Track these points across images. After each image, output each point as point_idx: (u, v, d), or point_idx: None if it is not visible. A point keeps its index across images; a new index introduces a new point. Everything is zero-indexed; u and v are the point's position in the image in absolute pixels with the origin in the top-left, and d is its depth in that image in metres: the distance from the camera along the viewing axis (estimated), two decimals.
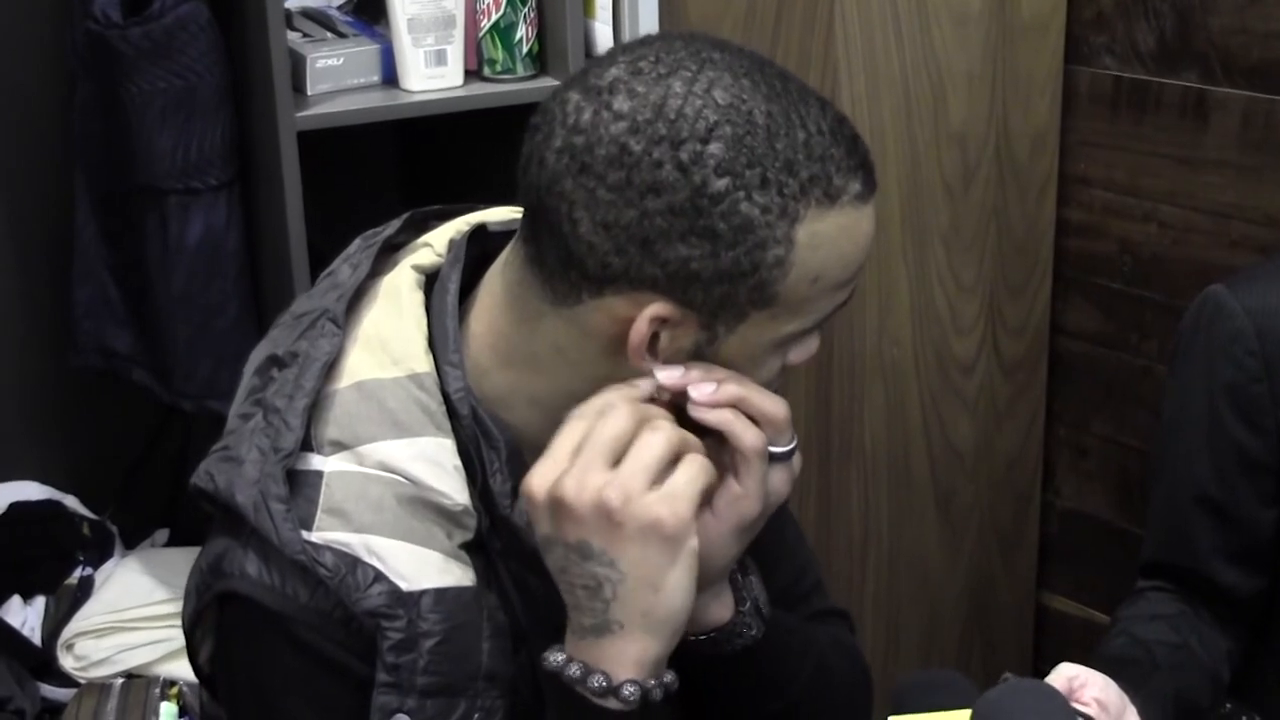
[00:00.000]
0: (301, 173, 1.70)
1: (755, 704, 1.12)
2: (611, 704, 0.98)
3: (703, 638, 1.07)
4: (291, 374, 1.05)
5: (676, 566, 0.96)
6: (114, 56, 1.72)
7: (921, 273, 2.12)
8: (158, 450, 2.10)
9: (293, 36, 1.80)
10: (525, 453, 1.03)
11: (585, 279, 0.97)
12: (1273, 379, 1.41)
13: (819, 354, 1.07)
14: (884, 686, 1.21)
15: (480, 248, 1.10)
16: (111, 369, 1.93)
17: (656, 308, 0.96)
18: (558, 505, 0.96)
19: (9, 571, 1.97)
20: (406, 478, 1.02)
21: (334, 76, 1.79)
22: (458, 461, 1.03)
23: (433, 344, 1.05)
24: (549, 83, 1.81)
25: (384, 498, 1.01)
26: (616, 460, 0.96)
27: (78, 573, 2.00)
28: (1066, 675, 1.11)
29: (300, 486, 1.02)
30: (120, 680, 1.86)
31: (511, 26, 1.81)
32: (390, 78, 1.82)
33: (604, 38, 1.83)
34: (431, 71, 1.79)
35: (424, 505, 1.02)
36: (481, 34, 1.82)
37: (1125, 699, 1.12)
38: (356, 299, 1.08)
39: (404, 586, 1.00)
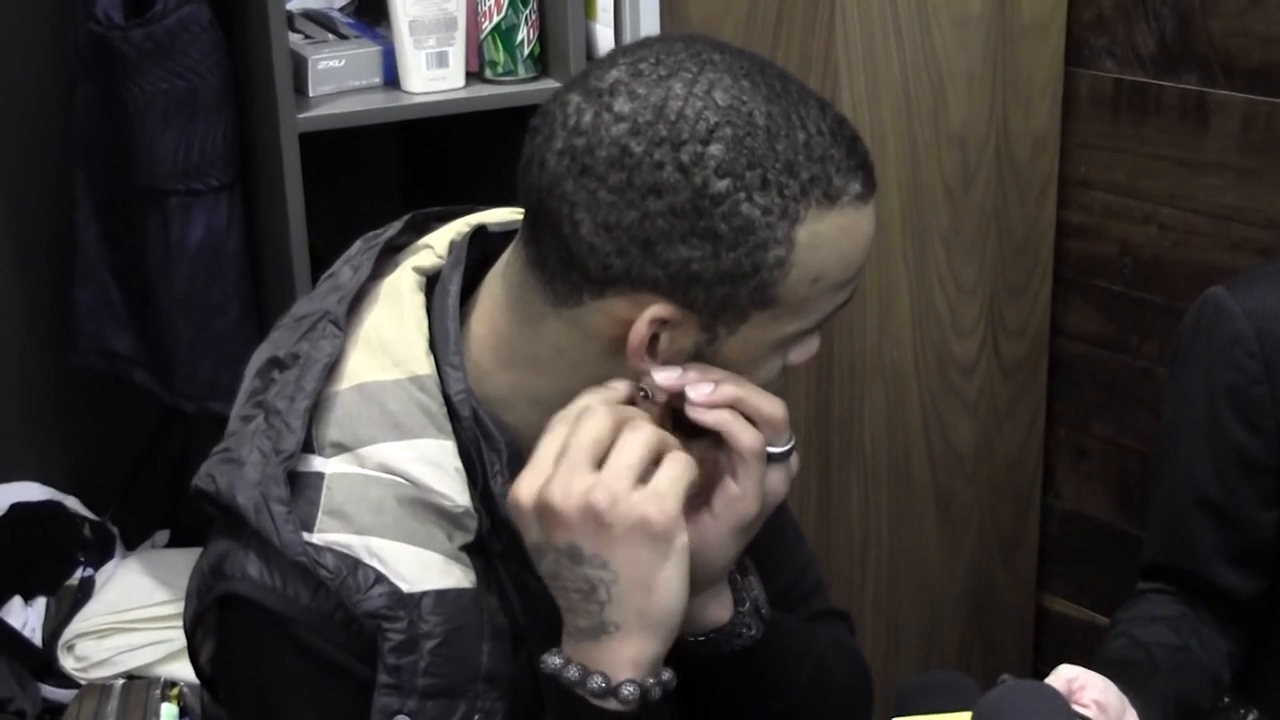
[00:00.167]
0: (303, 174, 1.70)
1: (755, 705, 1.12)
2: (611, 704, 0.98)
3: (702, 638, 1.07)
4: (292, 376, 1.05)
5: (668, 564, 0.96)
6: (116, 58, 1.73)
7: (922, 274, 2.12)
8: (158, 451, 2.11)
9: (294, 38, 1.80)
10: (526, 454, 1.03)
11: (586, 280, 0.98)
12: (1273, 381, 1.41)
13: (819, 355, 1.07)
14: (884, 688, 1.21)
15: (481, 249, 1.10)
16: (112, 370, 1.93)
17: (657, 309, 0.97)
18: (545, 511, 0.96)
19: (10, 572, 1.97)
20: (407, 479, 1.02)
21: (335, 78, 1.79)
22: (458, 463, 1.03)
23: (434, 346, 1.05)
24: (550, 85, 1.81)
25: (385, 499, 1.02)
26: (599, 463, 0.96)
27: (78, 574, 2.00)
28: (1066, 677, 1.11)
29: (301, 488, 1.02)
30: (121, 681, 1.87)
31: (513, 28, 1.81)
32: (392, 79, 1.82)
33: (605, 40, 1.83)
34: (433, 73, 1.79)
35: (425, 507, 1.02)
36: (483, 36, 1.82)
37: (1125, 701, 1.12)
38: (357, 301, 1.08)
39: (405, 588, 1.00)
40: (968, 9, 2.04)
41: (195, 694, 1.84)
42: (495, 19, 1.80)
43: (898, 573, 2.24)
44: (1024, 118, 2.14)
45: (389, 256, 1.12)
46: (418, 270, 1.09)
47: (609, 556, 0.96)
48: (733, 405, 1.00)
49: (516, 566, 1.06)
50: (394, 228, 1.13)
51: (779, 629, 1.12)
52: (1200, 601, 1.49)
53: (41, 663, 1.90)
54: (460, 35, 1.80)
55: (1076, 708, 1.07)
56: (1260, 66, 1.97)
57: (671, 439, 0.99)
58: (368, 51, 1.81)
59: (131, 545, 2.08)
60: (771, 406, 1.01)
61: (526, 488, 0.97)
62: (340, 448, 1.03)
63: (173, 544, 2.09)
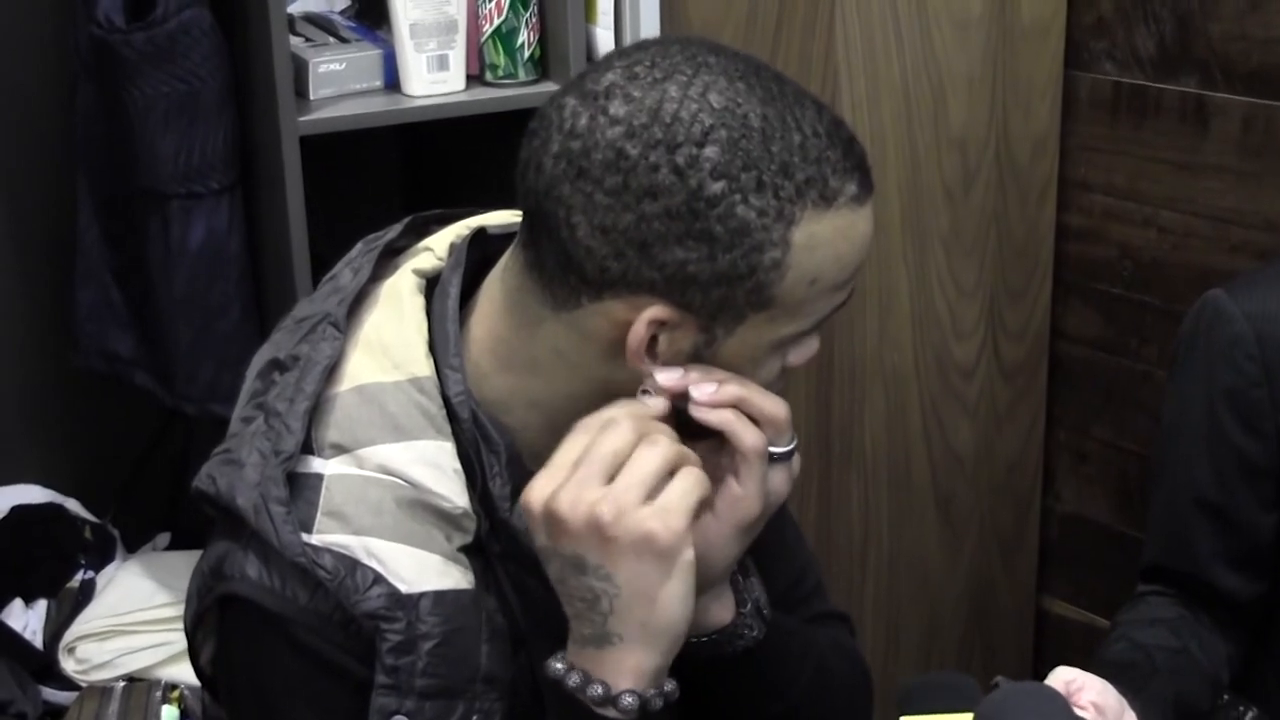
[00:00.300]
0: (304, 177, 1.70)
1: (756, 706, 1.12)
2: (610, 713, 0.98)
3: (703, 639, 1.07)
4: (293, 377, 1.05)
5: (672, 579, 0.96)
6: (117, 61, 1.73)
7: (922, 277, 2.12)
8: (159, 453, 2.11)
9: (295, 41, 1.80)
10: (525, 456, 1.04)
11: (584, 283, 0.98)
12: (1272, 384, 1.41)
13: (819, 358, 1.07)
14: (884, 690, 1.21)
15: (481, 251, 1.11)
16: (113, 372, 1.93)
17: (655, 310, 0.97)
18: (552, 519, 0.96)
19: (10, 575, 1.98)
20: (406, 481, 1.02)
21: (336, 81, 1.79)
22: (457, 465, 1.03)
23: (433, 348, 1.05)
24: (551, 88, 1.81)
25: (384, 500, 1.02)
26: (613, 476, 0.96)
27: (79, 576, 2.00)
28: (1064, 679, 1.11)
29: (300, 489, 1.02)
30: (122, 683, 1.87)
31: (513, 31, 1.81)
32: (392, 82, 1.82)
33: (605, 43, 1.83)
34: (433, 76, 1.79)
35: (423, 508, 1.02)
36: (483, 39, 1.82)
37: (1123, 702, 1.12)
38: (358, 303, 1.08)
39: (403, 589, 1.00)
40: (968, 12, 2.04)
41: (196, 696, 1.84)
42: (496, 22, 1.81)
43: (898, 575, 2.24)
44: (1024, 120, 2.14)
45: (389, 259, 1.12)
46: (418, 272, 1.09)
47: (613, 569, 0.96)
48: (735, 405, 1.00)
49: (515, 568, 1.06)
50: (394, 230, 1.14)
51: (779, 630, 1.12)
52: (1200, 604, 1.49)
53: (42, 665, 1.90)
54: (461, 38, 1.80)
55: (1075, 709, 1.07)
56: (1259, 69, 1.98)
57: (690, 454, 0.99)
58: (368, 55, 1.82)
59: (132, 547, 2.08)
60: (774, 406, 1.01)
61: (538, 492, 0.97)
62: (339, 449, 1.03)
63: (173, 546, 2.09)
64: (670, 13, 1.84)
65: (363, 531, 1.01)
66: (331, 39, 1.86)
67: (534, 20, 1.82)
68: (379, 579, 1.00)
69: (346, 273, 1.11)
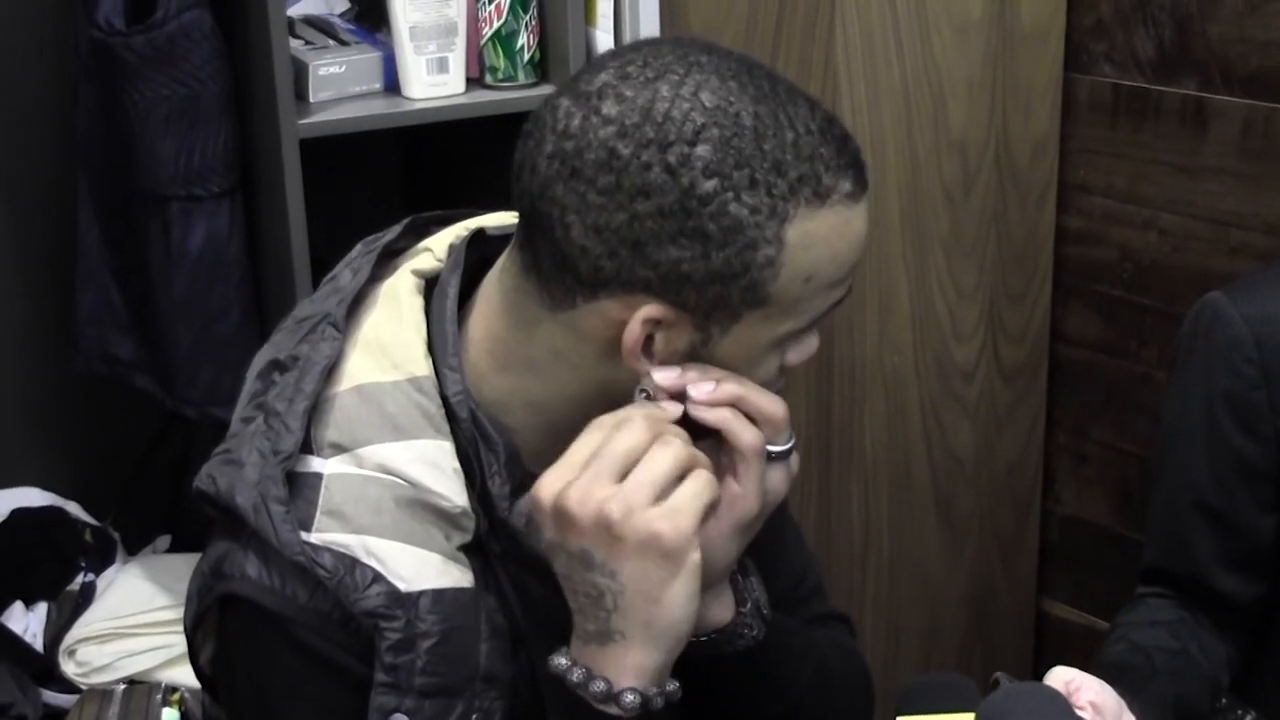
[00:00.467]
0: (304, 179, 1.71)
1: (756, 706, 1.12)
2: (612, 710, 0.98)
3: (704, 639, 1.07)
4: (292, 378, 1.05)
5: (678, 581, 0.96)
6: (117, 64, 1.73)
7: (922, 279, 2.13)
8: (159, 456, 2.11)
9: (295, 44, 1.80)
10: (524, 456, 1.04)
11: (579, 283, 0.98)
12: (1271, 386, 1.41)
13: (820, 359, 1.08)
14: (885, 692, 1.21)
15: (479, 252, 1.11)
16: (114, 375, 1.93)
17: (650, 309, 0.97)
18: (561, 514, 0.96)
19: (11, 577, 1.98)
20: (405, 480, 1.02)
21: (336, 84, 1.79)
22: (456, 464, 1.03)
23: (432, 348, 1.05)
24: (550, 90, 1.81)
25: (383, 500, 1.02)
26: (625, 475, 0.96)
27: (79, 579, 2.00)
28: (1062, 679, 1.11)
29: (300, 488, 1.02)
30: (122, 686, 1.87)
31: (513, 34, 1.81)
32: (392, 85, 1.82)
33: (605, 45, 1.83)
34: (433, 79, 1.79)
35: (423, 507, 1.02)
36: (483, 42, 1.82)
37: (1122, 703, 1.12)
38: (357, 304, 1.08)
39: (402, 587, 1.00)
40: (967, 15, 2.04)
41: (196, 699, 1.84)
42: (495, 25, 1.81)
43: (898, 577, 2.24)
44: (1023, 123, 2.15)
45: (389, 260, 1.12)
46: (417, 273, 1.09)
47: (618, 568, 0.96)
48: (733, 404, 1.00)
49: (515, 567, 1.06)
50: (394, 231, 1.14)
51: (779, 630, 1.12)
52: (1199, 606, 1.49)
53: (42, 668, 1.90)
54: (460, 41, 1.80)
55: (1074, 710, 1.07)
56: (1258, 72, 1.98)
57: (702, 458, 0.99)
58: (368, 57, 1.82)
59: (132, 550, 2.08)
60: (772, 405, 1.01)
61: (549, 487, 0.97)
62: (339, 448, 1.03)
63: (174, 549, 2.09)
64: (670, 16, 1.84)
65: (362, 530, 1.01)
66: (331, 42, 1.86)
67: (534, 23, 1.82)
68: (378, 577, 1.00)
69: (346, 273, 1.11)
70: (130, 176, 1.79)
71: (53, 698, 1.88)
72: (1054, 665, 1.14)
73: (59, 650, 1.90)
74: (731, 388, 1.00)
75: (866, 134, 2.00)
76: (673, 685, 1.00)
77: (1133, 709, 1.13)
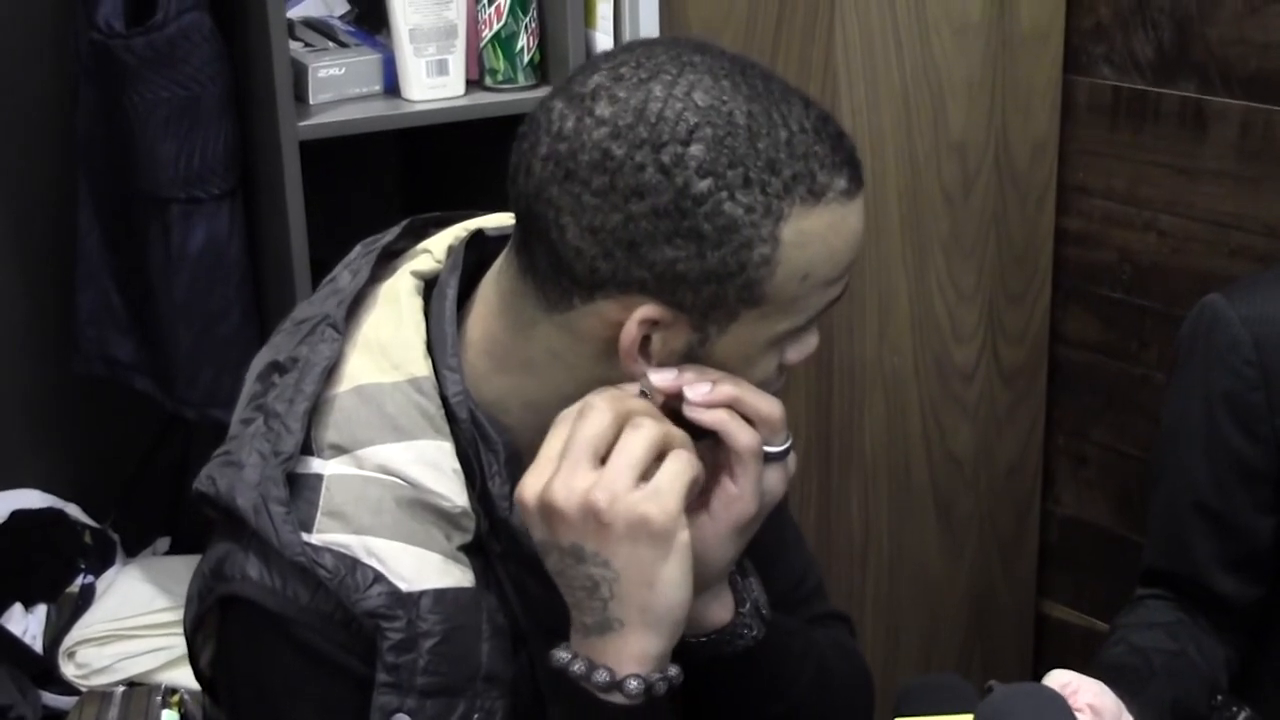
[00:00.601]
0: (303, 181, 1.71)
1: (756, 706, 1.12)
2: (616, 698, 0.99)
3: (703, 639, 1.07)
4: (292, 379, 1.06)
5: (669, 562, 0.97)
6: (117, 66, 1.73)
7: (921, 281, 2.13)
8: (159, 458, 2.11)
9: (295, 46, 1.80)
10: (523, 455, 1.04)
11: (575, 284, 0.98)
12: (1270, 388, 1.41)
13: (819, 361, 1.08)
14: (885, 693, 1.21)
15: (478, 253, 1.11)
16: (114, 377, 1.93)
17: (646, 310, 0.97)
18: (548, 510, 0.97)
19: (11, 579, 1.98)
20: (406, 480, 1.02)
21: (336, 86, 1.79)
22: (456, 464, 1.03)
23: (431, 348, 1.06)
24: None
25: (383, 500, 1.02)
26: (601, 459, 0.97)
27: (79, 581, 2.00)
28: (1060, 681, 1.11)
29: (300, 489, 1.03)
30: (121, 688, 1.87)
31: (513, 36, 1.81)
32: (392, 87, 1.82)
33: (605, 47, 1.83)
34: (433, 81, 1.80)
35: (423, 507, 1.02)
36: (483, 44, 1.83)
37: (1120, 705, 1.12)
38: (356, 305, 1.09)
39: (403, 587, 1.01)
40: (967, 17, 2.05)
41: (196, 700, 1.84)
42: (495, 27, 1.81)
43: (898, 578, 2.24)
44: (1023, 125, 2.15)
45: (387, 261, 1.12)
46: (416, 274, 1.09)
47: (610, 555, 0.96)
48: (730, 405, 1.00)
49: (515, 567, 1.06)
50: (392, 233, 1.14)
51: (779, 630, 1.12)
52: (1198, 607, 1.49)
53: (42, 670, 1.90)
54: (460, 43, 1.80)
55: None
56: (1258, 74, 1.98)
57: (678, 434, 0.99)
58: (368, 59, 1.82)
59: (132, 552, 2.08)
60: (768, 406, 1.01)
61: (530, 487, 0.97)
62: (339, 449, 1.04)
63: (173, 551, 2.09)
64: (670, 17, 1.84)
65: (363, 531, 1.01)
66: (331, 44, 1.86)
67: (533, 25, 1.82)
68: (379, 578, 1.00)
69: (345, 275, 1.11)
70: (130, 178, 1.79)
71: (52, 699, 1.88)
72: (1054, 666, 1.14)
73: (58, 652, 1.90)
74: (728, 389, 1.00)
75: (866, 135, 2.00)
76: (674, 670, 1.01)
77: (1131, 711, 1.13)
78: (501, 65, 1.82)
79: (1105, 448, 2.29)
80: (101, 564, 2.02)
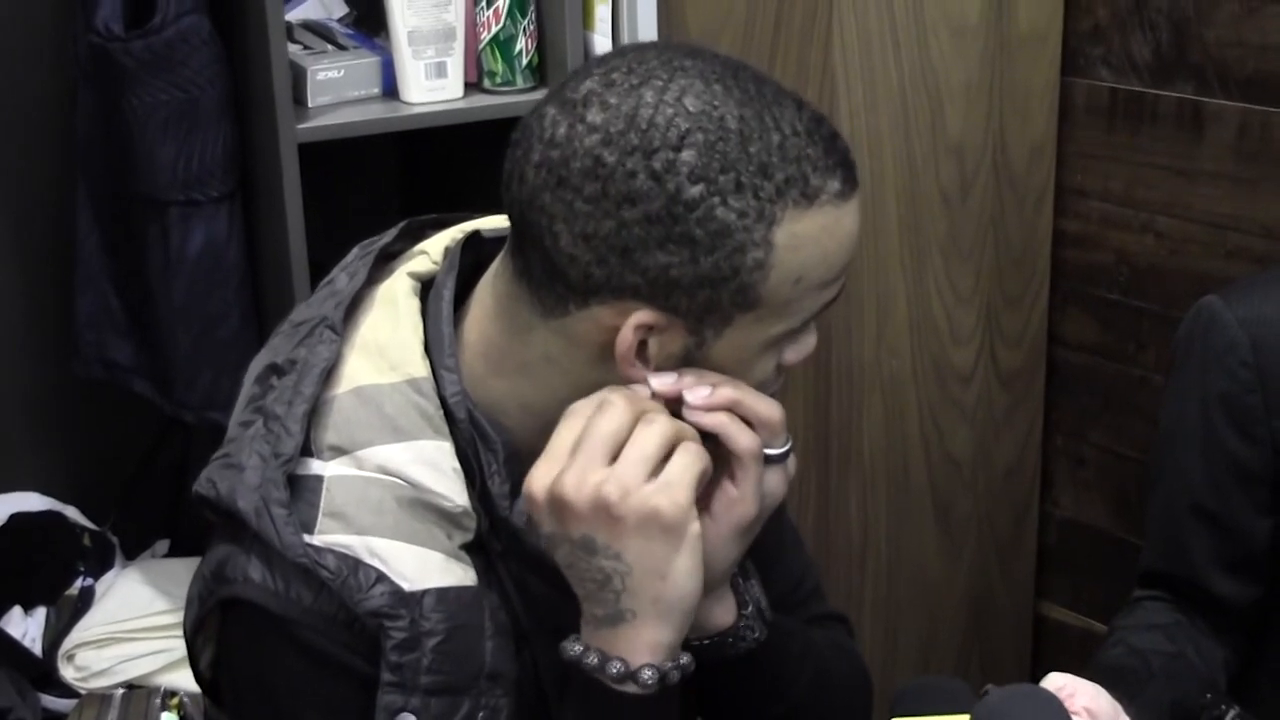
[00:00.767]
0: (302, 184, 1.71)
1: (757, 707, 1.13)
2: (630, 688, 0.99)
3: (706, 642, 1.08)
4: (291, 381, 1.06)
5: (681, 553, 0.97)
6: (116, 69, 1.73)
7: (919, 283, 2.13)
8: (158, 461, 2.11)
9: (293, 49, 1.81)
10: (522, 455, 1.04)
11: (570, 290, 0.98)
12: (1266, 389, 1.41)
13: (818, 363, 1.08)
14: (883, 694, 1.22)
15: (475, 255, 1.11)
16: (113, 379, 1.93)
17: (641, 315, 0.98)
18: (558, 503, 0.97)
19: (10, 582, 1.98)
20: (406, 480, 1.03)
21: (334, 89, 1.80)
22: (456, 464, 1.04)
23: (429, 349, 1.06)
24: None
25: (384, 500, 1.02)
26: (614, 456, 0.97)
27: (78, 583, 2.00)
28: (1056, 684, 1.11)
29: (301, 491, 1.03)
30: (121, 690, 1.87)
31: (511, 39, 1.82)
32: (390, 90, 1.82)
33: (603, 50, 1.84)
34: (431, 84, 1.80)
35: (424, 507, 1.03)
36: (481, 46, 1.83)
37: (1117, 707, 1.12)
38: (354, 306, 1.09)
39: (406, 587, 1.01)
40: (965, 19, 2.05)
41: (195, 703, 1.84)
42: (493, 29, 1.81)
43: (896, 580, 2.24)
44: (1021, 127, 2.15)
45: (385, 263, 1.13)
46: (413, 276, 1.09)
47: (622, 548, 0.97)
48: (730, 408, 1.01)
49: (517, 565, 1.06)
50: (389, 235, 1.14)
51: (779, 631, 1.13)
52: (1196, 609, 1.49)
53: (41, 672, 1.90)
54: (459, 46, 1.81)
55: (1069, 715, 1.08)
56: (1255, 76, 1.98)
57: (688, 430, 0.99)
58: (366, 62, 1.82)
59: (131, 555, 2.08)
60: (768, 408, 1.02)
61: (540, 479, 0.98)
62: (339, 451, 1.04)
63: (172, 553, 2.10)
64: (668, 20, 1.84)
65: (364, 531, 1.02)
66: (330, 46, 1.87)
67: (532, 27, 1.82)
68: (382, 577, 1.01)
69: (343, 277, 1.11)
70: (129, 181, 1.79)
71: (51, 702, 1.88)
72: (1052, 668, 1.14)
73: (58, 655, 1.90)
74: (727, 392, 1.01)
75: (864, 138, 2.01)
76: (686, 658, 1.01)
77: (1129, 713, 1.14)
78: (500, 68, 1.83)
79: (1103, 449, 2.29)
80: (101, 566, 2.02)
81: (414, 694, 1.01)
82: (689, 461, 0.98)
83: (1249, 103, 1.99)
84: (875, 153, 2.03)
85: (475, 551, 1.05)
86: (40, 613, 1.97)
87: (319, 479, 1.03)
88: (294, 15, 1.93)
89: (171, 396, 1.86)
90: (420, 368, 1.05)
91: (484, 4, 1.81)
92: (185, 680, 1.81)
